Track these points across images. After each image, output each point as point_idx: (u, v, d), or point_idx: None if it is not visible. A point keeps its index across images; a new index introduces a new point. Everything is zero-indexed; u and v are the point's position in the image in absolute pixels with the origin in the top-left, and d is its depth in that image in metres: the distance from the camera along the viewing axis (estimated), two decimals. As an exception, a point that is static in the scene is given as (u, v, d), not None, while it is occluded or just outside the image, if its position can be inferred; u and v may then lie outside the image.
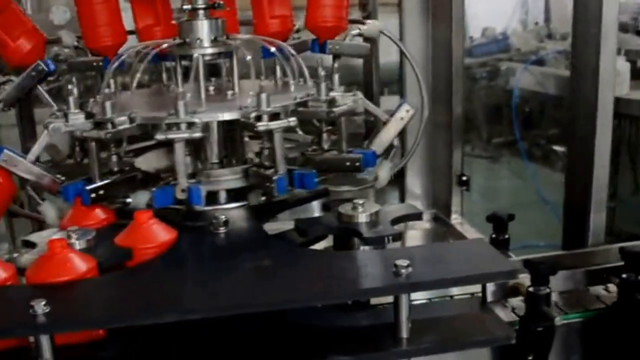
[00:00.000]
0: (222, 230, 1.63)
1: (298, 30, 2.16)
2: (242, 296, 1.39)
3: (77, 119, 1.65)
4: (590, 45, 2.01)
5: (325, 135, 1.80)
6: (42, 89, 1.91)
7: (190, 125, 1.59)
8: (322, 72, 1.75)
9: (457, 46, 2.63)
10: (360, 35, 2.08)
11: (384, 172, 1.77)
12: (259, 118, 1.60)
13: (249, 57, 1.76)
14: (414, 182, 2.92)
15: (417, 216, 1.75)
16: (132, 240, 1.53)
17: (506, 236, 1.93)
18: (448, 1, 2.57)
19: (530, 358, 1.62)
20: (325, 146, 1.80)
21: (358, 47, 2.07)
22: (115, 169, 1.70)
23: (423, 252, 1.56)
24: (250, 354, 1.47)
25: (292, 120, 1.62)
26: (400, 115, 1.90)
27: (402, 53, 2.26)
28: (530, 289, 1.62)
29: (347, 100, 1.78)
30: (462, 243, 1.87)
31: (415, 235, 2.83)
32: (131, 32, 2.05)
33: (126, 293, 1.42)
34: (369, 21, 2.10)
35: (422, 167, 2.89)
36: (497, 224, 1.92)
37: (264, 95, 1.60)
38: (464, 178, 2.72)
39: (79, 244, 1.52)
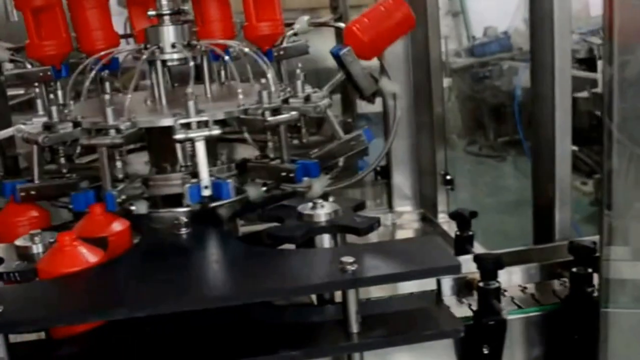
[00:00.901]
0: (184, 231, 1.68)
1: (296, 34, 2.19)
2: (189, 294, 1.43)
3: (39, 122, 1.72)
4: (546, 44, 2.04)
5: (270, 144, 1.82)
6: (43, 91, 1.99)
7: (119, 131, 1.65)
8: (263, 79, 1.78)
9: (434, 46, 2.66)
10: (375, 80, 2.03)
11: (318, 184, 1.79)
12: (187, 125, 1.63)
13: (192, 63, 1.80)
14: (404, 183, 2.95)
15: (362, 205, 1.79)
16: (90, 232, 1.59)
17: (470, 233, 1.96)
18: (423, 2, 2.61)
19: (485, 351, 1.65)
20: (271, 154, 1.82)
21: (366, 77, 1.97)
22: (64, 171, 1.77)
23: (372, 250, 1.60)
24: (204, 350, 1.51)
25: (215, 128, 1.64)
26: (352, 141, 1.90)
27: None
28: (480, 283, 1.65)
29: (307, 109, 1.82)
30: (413, 240, 1.91)
31: (405, 235, 2.87)
32: (124, 36, 2.12)
33: (79, 293, 1.47)
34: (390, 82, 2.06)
35: (408, 168, 2.92)
36: (461, 221, 1.96)
37: (191, 103, 1.63)
38: (448, 177, 2.75)
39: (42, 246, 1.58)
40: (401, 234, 2.86)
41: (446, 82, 5.05)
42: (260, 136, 1.93)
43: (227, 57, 1.87)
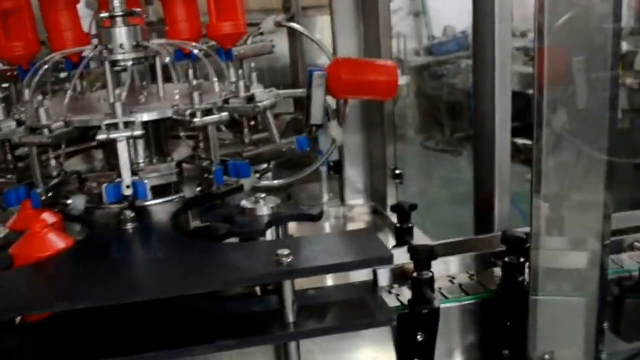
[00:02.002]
0: (130, 226, 1.73)
1: (262, 34, 2.24)
2: (128, 286, 1.48)
3: None
4: (488, 42, 2.10)
5: (202, 144, 1.87)
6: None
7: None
8: (202, 80, 1.84)
9: (385, 45, 2.72)
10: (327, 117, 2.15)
11: (247, 183, 1.86)
12: (115, 126, 1.69)
13: (129, 64, 1.85)
14: (356, 178, 3.01)
15: (289, 197, 1.85)
16: (22, 225, 1.67)
17: (410, 225, 2.02)
18: (375, 2, 2.67)
19: (420, 338, 1.71)
20: (202, 154, 1.88)
21: (320, 108, 2.08)
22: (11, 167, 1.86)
23: (308, 242, 1.65)
24: (146, 339, 1.56)
25: (137, 129, 1.70)
26: (284, 146, 1.98)
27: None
28: (414, 274, 1.71)
29: (246, 109, 1.87)
30: (350, 233, 1.96)
31: (355, 227, 2.93)
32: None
33: (24, 286, 1.51)
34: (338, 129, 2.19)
35: (361, 163, 2.98)
36: (401, 213, 2.02)
37: (118, 105, 1.69)
38: (398, 172, 2.82)
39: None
40: (352, 227, 2.92)
41: (404, 80, 5.15)
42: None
43: (168, 59, 1.91)
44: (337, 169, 3.00)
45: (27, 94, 1.89)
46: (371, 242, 1.60)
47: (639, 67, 4.41)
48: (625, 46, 4.74)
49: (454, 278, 1.96)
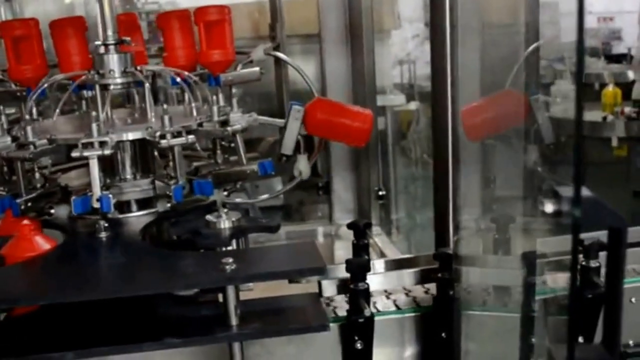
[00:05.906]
0: (103, 235, 1.92)
1: (251, 62, 2.43)
2: (87, 286, 1.68)
3: None
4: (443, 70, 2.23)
5: (171, 164, 2.04)
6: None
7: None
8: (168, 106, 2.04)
9: (369, 72, 2.89)
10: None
11: (216, 198, 2.04)
12: (91, 145, 1.88)
13: (112, 87, 2.07)
14: (346, 197, 3.17)
15: (248, 212, 2.02)
16: (4, 232, 1.89)
17: (365, 241, 2.17)
18: (359, 32, 2.85)
19: (359, 345, 1.86)
20: (172, 173, 2.05)
21: (293, 139, 2.23)
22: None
23: (254, 253, 1.83)
24: (107, 334, 1.74)
25: (108, 148, 1.89)
26: (251, 169, 2.17)
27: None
28: (351, 285, 1.86)
29: (217, 132, 2.06)
30: (292, 245, 2.13)
31: (342, 245, 3.09)
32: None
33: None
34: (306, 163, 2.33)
35: (349, 184, 3.13)
36: (356, 231, 2.17)
37: (94, 125, 1.89)
38: (381, 193, 2.99)
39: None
40: (338, 244, 3.08)
41: (414, 105, 5.30)
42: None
43: (147, 84, 2.10)
44: (326, 189, 3.15)
45: (26, 111, 2.11)
46: (309, 254, 1.77)
47: (636, 96, 4.51)
48: (631, 75, 4.86)
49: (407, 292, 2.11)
